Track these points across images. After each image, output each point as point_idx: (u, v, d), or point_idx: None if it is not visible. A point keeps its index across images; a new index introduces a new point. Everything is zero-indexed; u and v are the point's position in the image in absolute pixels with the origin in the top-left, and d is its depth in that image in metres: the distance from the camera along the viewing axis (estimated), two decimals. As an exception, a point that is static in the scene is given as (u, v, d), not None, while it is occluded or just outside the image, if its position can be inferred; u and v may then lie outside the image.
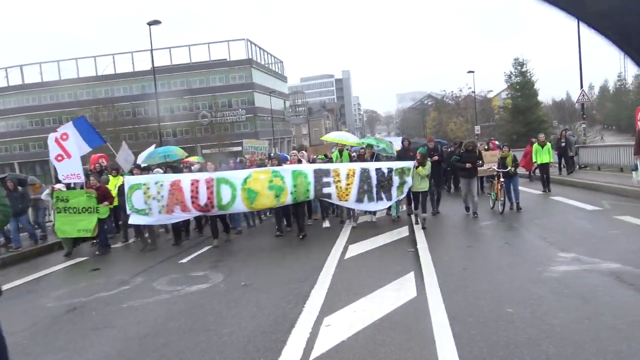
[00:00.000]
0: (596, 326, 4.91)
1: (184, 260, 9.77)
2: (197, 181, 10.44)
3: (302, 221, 11.47)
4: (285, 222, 12.05)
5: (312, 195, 10.73)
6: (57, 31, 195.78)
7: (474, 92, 55.91)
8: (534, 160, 16.77)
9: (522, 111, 48.98)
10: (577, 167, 21.26)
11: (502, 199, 12.22)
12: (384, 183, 10.86)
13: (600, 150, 22.27)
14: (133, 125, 59.62)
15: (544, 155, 15.78)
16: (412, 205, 11.72)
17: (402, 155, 12.83)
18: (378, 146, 13.24)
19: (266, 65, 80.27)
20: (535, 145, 16.29)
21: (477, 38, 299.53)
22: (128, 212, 10.78)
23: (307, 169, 10.94)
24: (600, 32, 1.17)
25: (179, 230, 11.76)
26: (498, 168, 12.58)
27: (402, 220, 12.18)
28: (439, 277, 7.02)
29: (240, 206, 10.53)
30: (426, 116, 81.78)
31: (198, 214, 10.94)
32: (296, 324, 5.58)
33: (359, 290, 6.71)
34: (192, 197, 10.36)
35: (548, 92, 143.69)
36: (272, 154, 17.75)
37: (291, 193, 10.43)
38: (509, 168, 12.39)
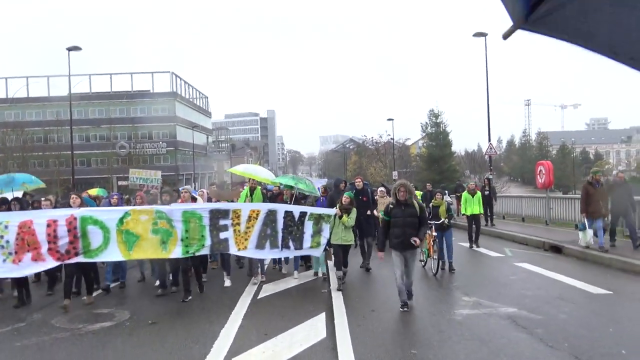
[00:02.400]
0: (492, 367, 5.19)
1: (96, 293, 9.24)
2: (56, 222, 8.02)
3: (194, 276, 9.17)
4: (171, 277, 9.61)
5: (208, 244, 8.46)
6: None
7: (392, 138, 58.15)
8: (462, 211, 14.69)
9: (436, 160, 51.38)
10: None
11: (435, 257, 10.42)
12: (293, 229, 8.95)
13: (506, 201, 23.83)
14: (43, 152, 56.40)
15: (474, 205, 14.09)
16: (333, 260, 9.57)
17: (335, 198, 10.24)
18: (297, 186, 11.27)
19: (190, 100, 79.55)
20: (465, 194, 14.46)
21: (396, 88, 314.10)
22: None
23: (202, 209, 8.70)
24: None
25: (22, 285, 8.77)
26: (430, 219, 10.13)
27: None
28: (349, 318, 7.14)
29: (114, 252, 8.19)
30: (347, 159, 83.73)
31: (57, 263, 8.20)
32: (203, 364, 5.46)
33: (270, 330, 6.67)
34: (48, 241, 7.96)
35: (462, 142, 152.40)
36: (163, 188, 13.97)
37: (182, 240, 8.28)
38: (443, 220, 10.51)
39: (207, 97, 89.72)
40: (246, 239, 8.71)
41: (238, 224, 8.69)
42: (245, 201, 10.73)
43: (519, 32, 1.18)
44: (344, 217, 9.13)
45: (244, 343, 6.17)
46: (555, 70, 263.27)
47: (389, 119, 53.32)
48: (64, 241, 8.00)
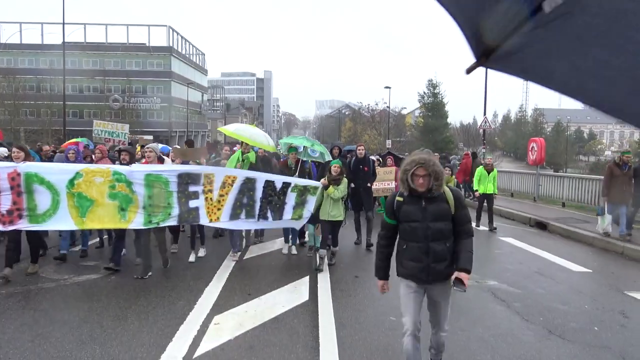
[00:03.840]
0: (467, 337, 5.33)
1: (77, 249, 9.31)
2: None
3: (164, 249, 8.07)
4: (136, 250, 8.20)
5: (175, 213, 7.25)
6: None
7: (389, 107, 57.86)
8: (475, 188, 13.17)
9: (431, 130, 51.31)
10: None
11: None
12: (273, 198, 7.86)
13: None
14: (35, 101, 55.68)
15: (488, 183, 12.67)
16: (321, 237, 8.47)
17: (326, 166, 9.25)
18: (314, 151, 9.87)
19: (187, 56, 78.35)
20: (479, 170, 12.97)
21: (395, 58, 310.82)
22: None
23: (169, 173, 7.38)
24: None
25: None
26: None
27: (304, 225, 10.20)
28: (333, 283, 7.27)
29: (64, 218, 6.93)
30: (342, 125, 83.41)
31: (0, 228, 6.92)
32: (185, 320, 5.57)
33: (253, 290, 6.79)
34: None
35: (457, 114, 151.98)
36: (123, 147, 12.37)
37: (144, 208, 7.11)
38: None
39: (204, 54, 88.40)
40: (219, 209, 7.56)
41: (210, 190, 7.52)
42: (235, 167, 9.01)
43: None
44: (330, 188, 8.08)
45: (227, 302, 6.29)
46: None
47: (386, 87, 53.03)
48: (6, 199, 6.80)
